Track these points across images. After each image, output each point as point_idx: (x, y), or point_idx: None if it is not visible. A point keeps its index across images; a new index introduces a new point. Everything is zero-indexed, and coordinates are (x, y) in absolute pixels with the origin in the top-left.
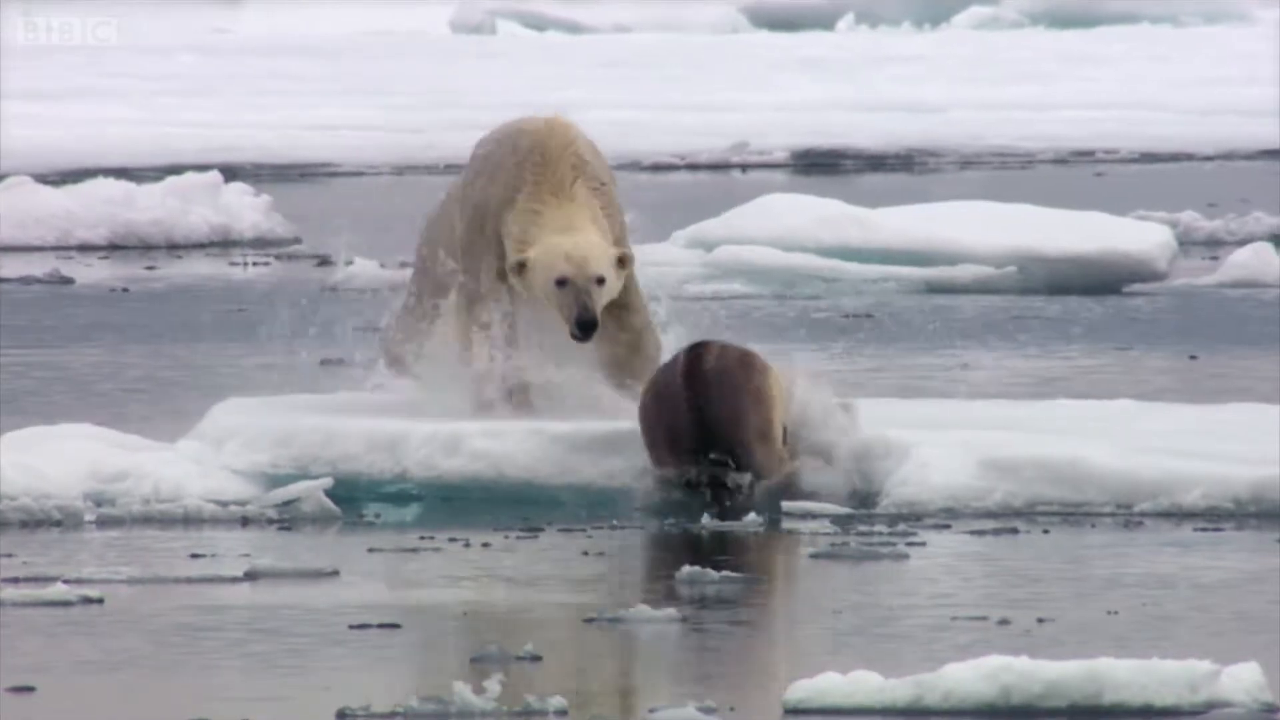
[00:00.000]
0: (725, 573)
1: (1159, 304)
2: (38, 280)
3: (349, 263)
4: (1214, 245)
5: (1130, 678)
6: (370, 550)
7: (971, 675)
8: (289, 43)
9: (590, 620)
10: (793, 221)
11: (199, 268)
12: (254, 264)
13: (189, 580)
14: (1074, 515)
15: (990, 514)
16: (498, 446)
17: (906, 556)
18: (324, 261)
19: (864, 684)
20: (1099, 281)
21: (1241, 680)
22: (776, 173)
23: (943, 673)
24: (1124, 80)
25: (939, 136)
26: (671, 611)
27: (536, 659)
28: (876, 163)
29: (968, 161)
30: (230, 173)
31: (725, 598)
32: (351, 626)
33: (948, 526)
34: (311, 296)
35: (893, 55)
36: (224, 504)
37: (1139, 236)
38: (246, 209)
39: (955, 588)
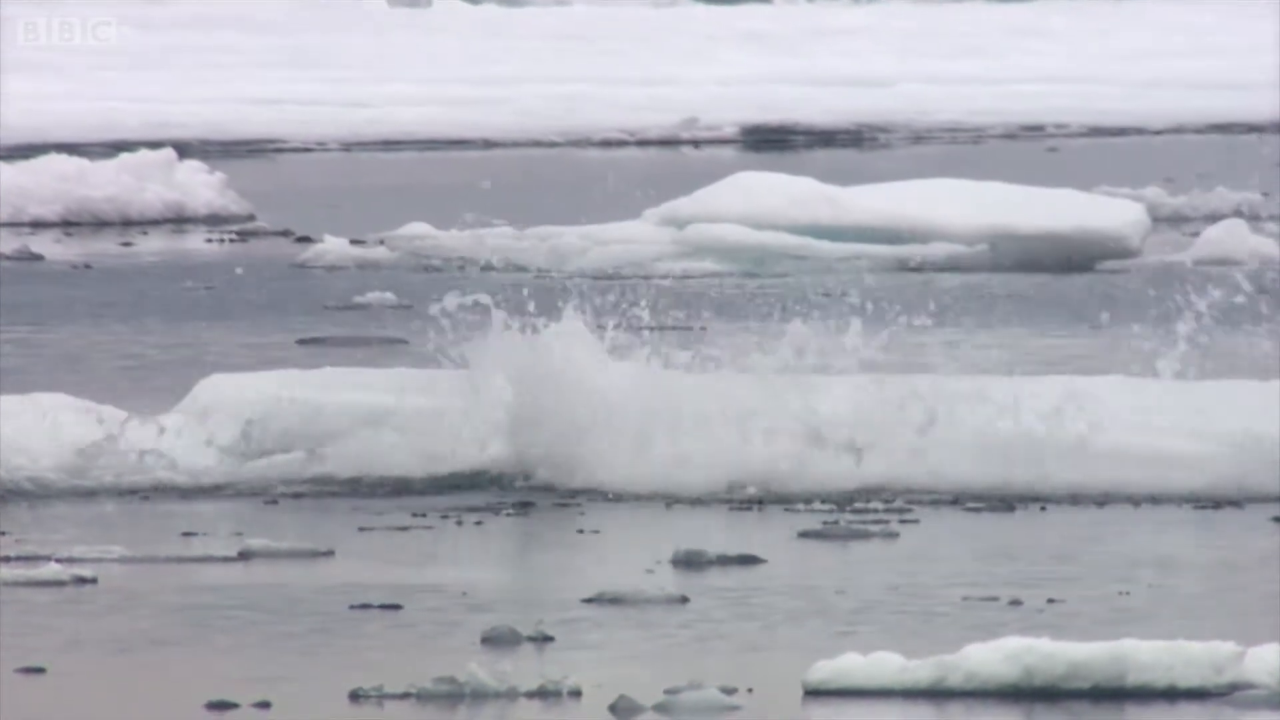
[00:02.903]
0: (721, 552)
1: (1134, 282)
2: (6, 257)
3: (310, 240)
4: (1179, 221)
5: (1154, 659)
6: (361, 529)
7: (994, 656)
8: (225, 16)
9: (590, 600)
10: (764, 200)
11: (170, 244)
12: (230, 240)
13: (181, 560)
14: (1063, 492)
15: (981, 491)
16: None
17: (897, 535)
18: (302, 238)
19: (885, 665)
20: (1071, 259)
21: (1265, 662)
22: (726, 149)
23: (964, 654)
24: (1069, 54)
25: (887, 111)
26: (671, 591)
27: (548, 639)
28: (827, 138)
29: (919, 137)
30: (179, 149)
31: (723, 577)
32: (352, 607)
33: (942, 504)
34: (282, 274)
35: (834, 28)
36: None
37: (1111, 213)
38: (200, 186)
39: (959, 567)
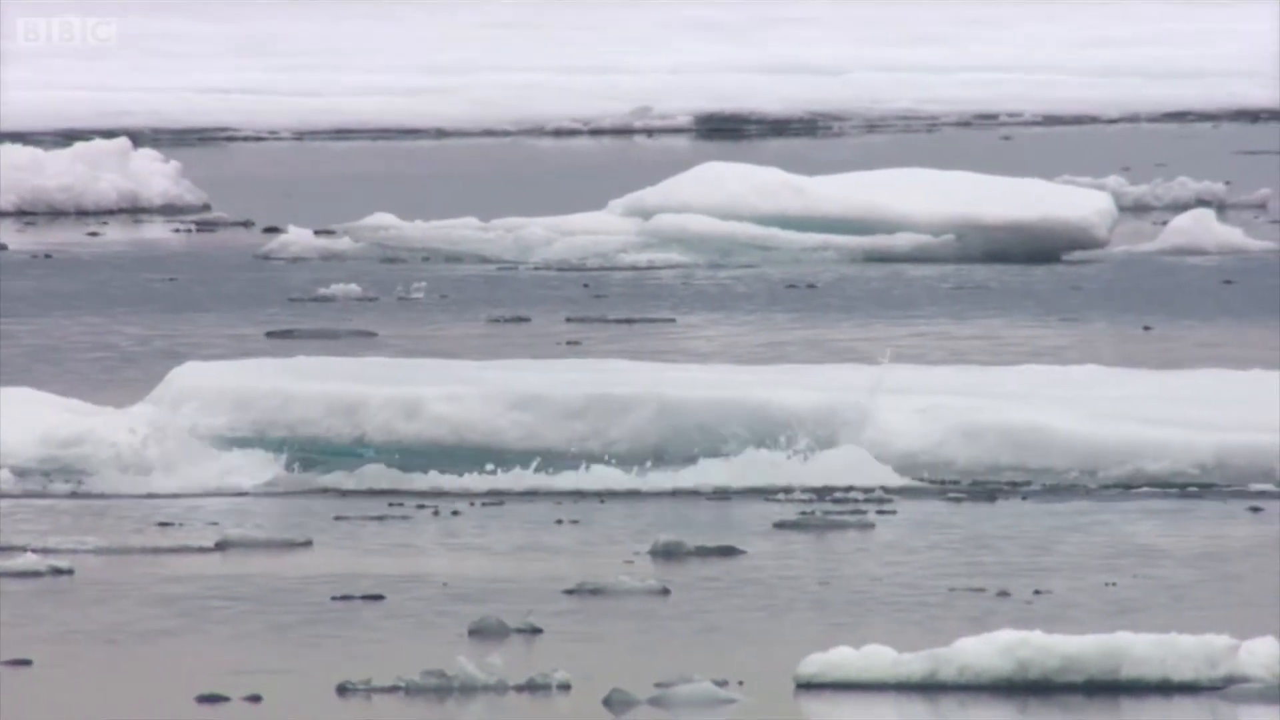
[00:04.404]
0: (700, 543)
1: (1102, 272)
2: None
3: (279, 230)
4: (1140, 211)
5: (1149, 652)
6: (337, 518)
7: (987, 650)
8: (169, 3)
9: (571, 591)
10: (730, 190)
11: (131, 234)
12: (192, 231)
13: (158, 550)
14: (1039, 481)
15: (954, 480)
16: (457, 411)
17: (872, 526)
18: (270, 229)
19: (878, 658)
20: (1038, 249)
21: (1259, 655)
22: (680, 138)
23: (958, 647)
24: (1021, 42)
25: (840, 100)
26: (653, 582)
27: (536, 631)
28: (780, 127)
29: (872, 125)
30: (131, 138)
31: (704, 568)
32: (334, 598)
33: (922, 495)
34: (246, 265)
35: (785, 16)
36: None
37: (1078, 203)
38: (155, 175)
39: (941, 558)
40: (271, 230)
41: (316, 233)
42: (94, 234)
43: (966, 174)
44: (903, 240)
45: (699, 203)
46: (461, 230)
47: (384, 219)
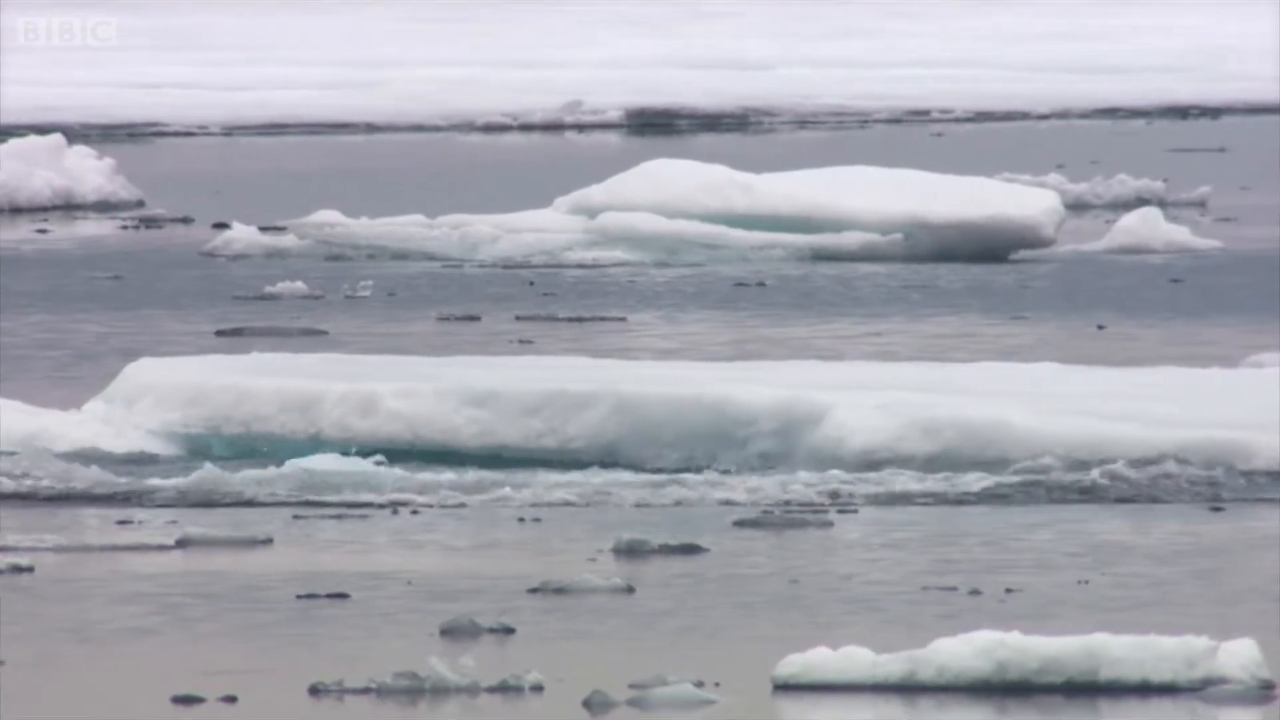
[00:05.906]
0: (663, 541)
1: (1052, 271)
2: None
3: (226, 226)
4: (1080, 209)
5: (1128, 654)
6: (296, 517)
7: (966, 651)
8: None
9: (535, 590)
10: (677, 187)
11: (72, 231)
12: (142, 226)
13: (118, 548)
14: (1006, 477)
15: (912, 475)
16: (413, 407)
17: (832, 524)
18: (220, 224)
19: (856, 659)
20: (986, 248)
21: (1239, 656)
22: (611, 133)
23: (936, 648)
24: (947, 36)
25: (770, 95)
26: (618, 581)
27: (508, 631)
28: (711, 122)
29: (804, 121)
30: (62, 134)
31: (667, 566)
32: (299, 597)
33: (878, 493)
34: (191, 263)
35: (710, 11)
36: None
37: (1025, 202)
38: (90, 172)
39: (908, 556)
40: (220, 226)
41: (262, 229)
42: (42, 231)
43: (913, 172)
44: (850, 239)
45: (645, 200)
46: (408, 228)
47: (329, 216)
